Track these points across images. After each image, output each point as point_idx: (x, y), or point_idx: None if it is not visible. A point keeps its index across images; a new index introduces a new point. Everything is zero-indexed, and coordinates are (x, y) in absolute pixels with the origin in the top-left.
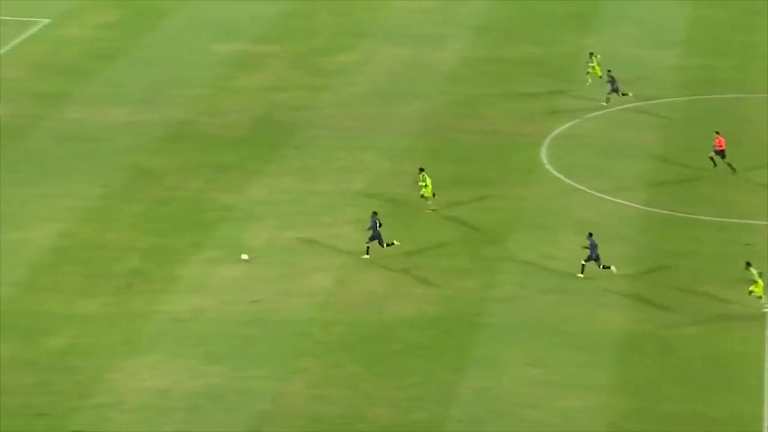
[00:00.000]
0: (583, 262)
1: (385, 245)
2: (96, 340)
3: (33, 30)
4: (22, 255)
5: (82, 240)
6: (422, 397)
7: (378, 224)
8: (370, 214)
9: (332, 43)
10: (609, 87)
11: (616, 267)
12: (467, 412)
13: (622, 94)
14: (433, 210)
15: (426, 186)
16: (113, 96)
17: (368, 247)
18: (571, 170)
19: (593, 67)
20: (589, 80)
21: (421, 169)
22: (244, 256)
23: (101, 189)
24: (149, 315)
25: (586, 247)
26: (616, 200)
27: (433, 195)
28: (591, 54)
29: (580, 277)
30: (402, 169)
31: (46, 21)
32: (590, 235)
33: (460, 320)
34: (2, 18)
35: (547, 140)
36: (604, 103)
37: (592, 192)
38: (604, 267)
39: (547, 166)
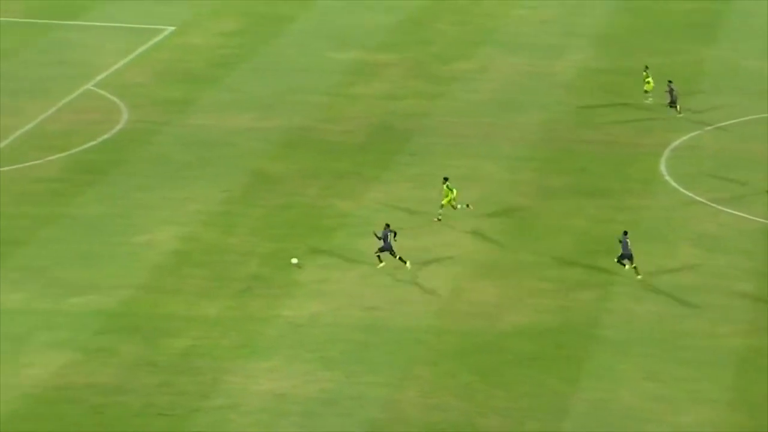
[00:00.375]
0: (617, 261)
1: (397, 257)
2: (216, 342)
3: (158, 38)
4: (146, 258)
5: (204, 244)
6: (535, 408)
7: (394, 235)
8: (384, 225)
9: (450, 51)
10: (667, 98)
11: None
12: (581, 425)
13: (673, 107)
14: (438, 219)
15: (447, 196)
16: (235, 102)
17: (379, 256)
18: (690, 182)
19: (648, 82)
20: (650, 98)
21: (446, 179)
22: (294, 261)
23: (223, 194)
24: (268, 319)
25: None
26: (736, 213)
27: (454, 207)
28: (646, 68)
29: (639, 279)
30: (519, 178)
31: (171, 29)
32: (625, 233)
33: (575, 331)
34: (129, 26)
35: (667, 151)
36: (680, 114)
37: (712, 204)
38: (620, 263)
39: (666, 178)
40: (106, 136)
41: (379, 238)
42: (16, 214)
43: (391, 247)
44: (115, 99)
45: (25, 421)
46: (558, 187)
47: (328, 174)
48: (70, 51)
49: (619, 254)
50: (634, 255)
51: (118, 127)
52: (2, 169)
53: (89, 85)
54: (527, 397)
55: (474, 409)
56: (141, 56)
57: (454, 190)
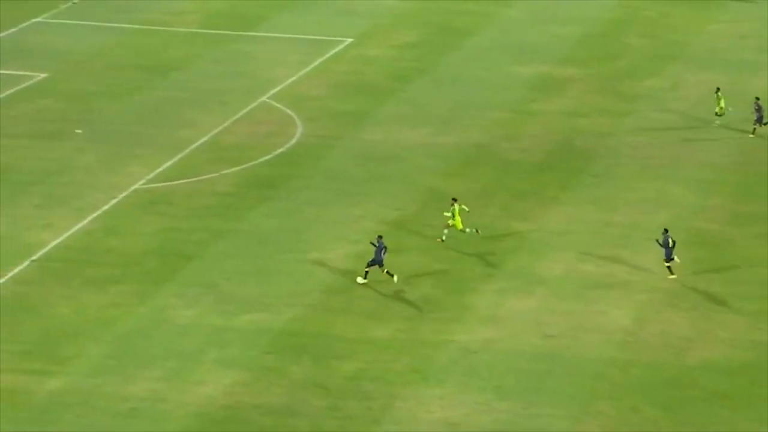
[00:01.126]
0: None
1: (384, 271)
2: (387, 366)
3: (335, 49)
4: (317, 276)
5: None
6: None
7: (383, 250)
8: (377, 237)
9: (639, 66)
10: (755, 117)
11: None
12: None
13: (764, 124)
14: (442, 240)
15: (453, 217)
16: (412, 116)
17: (367, 272)
18: None
19: (720, 105)
20: (717, 122)
21: (454, 199)
22: (360, 280)
23: (396, 212)
24: (440, 344)
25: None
26: None
27: (462, 231)
28: (718, 89)
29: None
30: (709, 203)
31: (349, 41)
32: (665, 231)
33: None
34: (306, 37)
35: None
36: (751, 135)
37: None
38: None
39: None
40: (280, 150)
41: (375, 246)
42: (189, 228)
43: (381, 260)
44: (290, 112)
45: None
46: (752, 214)
47: (506, 193)
48: (246, 62)
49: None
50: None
51: (293, 140)
52: (178, 182)
53: (264, 98)
54: None
55: None
56: (317, 68)
57: (457, 213)
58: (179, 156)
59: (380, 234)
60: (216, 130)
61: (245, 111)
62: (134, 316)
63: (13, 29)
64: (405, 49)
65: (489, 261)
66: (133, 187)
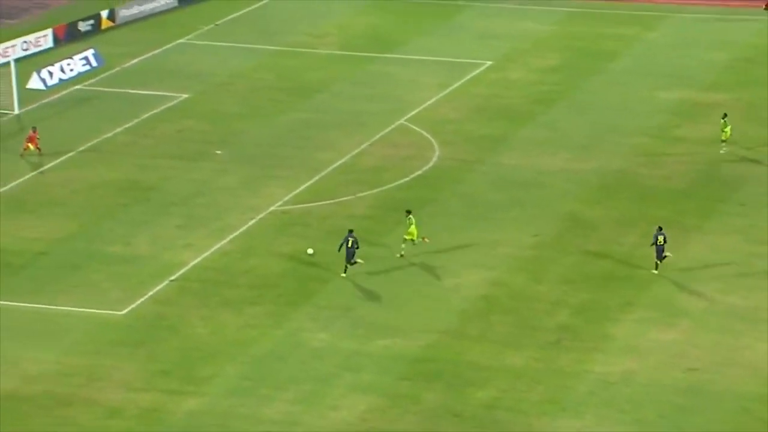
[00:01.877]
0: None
1: (351, 263)
2: (523, 396)
3: (475, 72)
4: (453, 302)
5: (512, 290)
6: None
7: (351, 243)
8: (348, 231)
9: None
10: None
11: None
12: None
13: None
14: (401, 255)
15: (410, 228)
16: (551, 141)
17: (346, 267)
18: None
19: (724, 131)
20: (724, 148)
21: (408, 212)
22: (310, 251)
23: (534, 238)
24: (578, 374)
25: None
26: None
27: (413, 242)
28: (725, 115)
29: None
30: None
31: (488, 63)
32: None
33: None
34: (445, 59)
35: None
36: None
37: None
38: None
39: None
40: (417, 173)
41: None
42: (326, 251)
43: (352, 255)
44: (427, 135)
45: None
46: None
47: (646, 222)
48: (385, 84)
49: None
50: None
51: (430, 163)
52: (315, 204)
53: (402, 120)
54: None
55: None
56: (456, 91)
57: (414, 225)
58: (317, 177)
59: (351, 228)
60: (354, 152)
61: (383, 133)
62: (270, 337)
63: (158, 50)
64: (545, 72)
65: (629, 290)
66: (271, 208)
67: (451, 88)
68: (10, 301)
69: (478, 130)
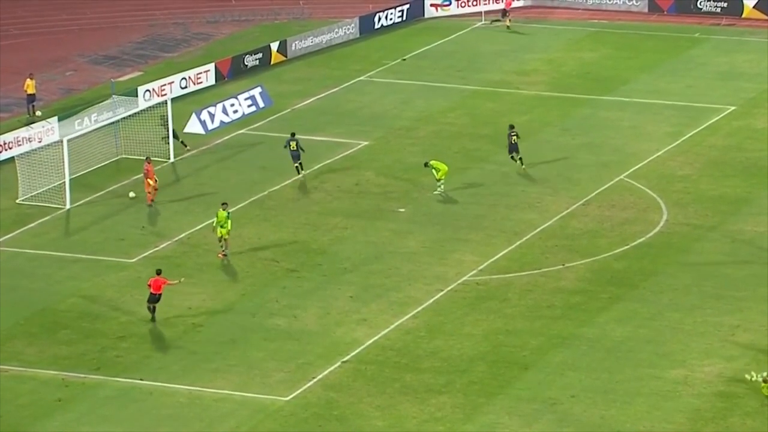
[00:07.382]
0: None
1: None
2: None
3: (713, 119)
4: (682, 398)
5: (756, 388)
6: None
7: (294, 147)
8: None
9: None
10: None
11: None
12: None
13: None
14: (224, 255)
15: (217, 227)
16: None
17: (297, 168)
18: None
19: None
20: None
21: (224, 204)
22: (132, 194)
23: None
24: None
25: None
26: None
27: (221, 238)
28: None
29: None
30: None
31: (731, 109)
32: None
33: None
34: (677, 103)
35: None
36: None
37: None
38: None
39: None
40: (639, 240)
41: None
42: (526, 331)
43: (297, 156)
44: (653, 194)
45: None
46: None
47: None
48: (601, 132)
49: None
50: None
51: (656, 229)
52: (515, 274)
53: (622, 176)
54: None
55: None
56: (689, 141)
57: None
58: (518, 243)
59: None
60: (562, 213)
61: (598, 191)
62: None
63: (335, 89)
64: None
65: None
66: (462, 279)
67: (683, 138)
68: (160, 382)
69: (716, 190)
